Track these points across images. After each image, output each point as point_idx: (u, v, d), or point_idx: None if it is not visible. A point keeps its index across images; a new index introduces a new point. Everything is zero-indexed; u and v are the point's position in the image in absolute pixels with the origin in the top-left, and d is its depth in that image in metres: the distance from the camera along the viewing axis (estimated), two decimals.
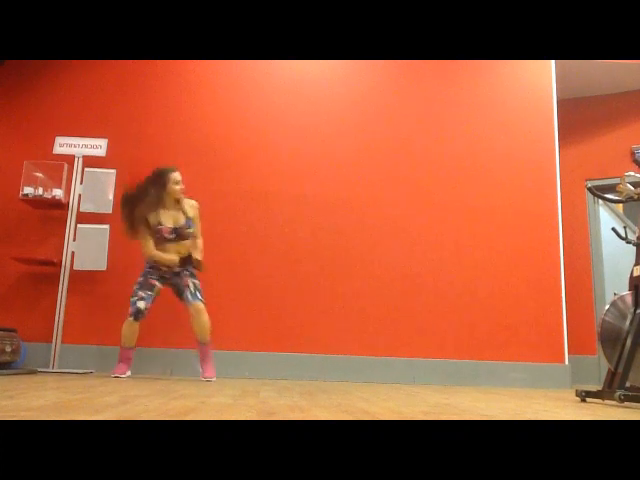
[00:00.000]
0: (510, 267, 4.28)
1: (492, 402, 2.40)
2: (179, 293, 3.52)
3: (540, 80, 4.65)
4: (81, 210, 3.90)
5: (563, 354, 4.16)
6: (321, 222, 3.91)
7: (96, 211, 3.90)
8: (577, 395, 2.79)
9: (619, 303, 2.97)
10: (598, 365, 4.90)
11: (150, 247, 3.45)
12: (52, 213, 4.04)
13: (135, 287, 3.45)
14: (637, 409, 2.33)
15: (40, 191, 3.93)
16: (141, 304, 3.39)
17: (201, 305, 3.43)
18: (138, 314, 3.38)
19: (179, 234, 3.49)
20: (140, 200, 3.42)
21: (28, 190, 3.91)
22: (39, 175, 4.00)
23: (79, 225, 3.87)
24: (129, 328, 3.40)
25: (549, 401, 2.63)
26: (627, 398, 2.44)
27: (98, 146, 4.00)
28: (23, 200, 3.93)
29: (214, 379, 3.40)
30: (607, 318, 2.96)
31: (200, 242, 3.62)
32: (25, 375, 3.22)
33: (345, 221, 4.19)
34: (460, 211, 4.34)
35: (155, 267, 3.49)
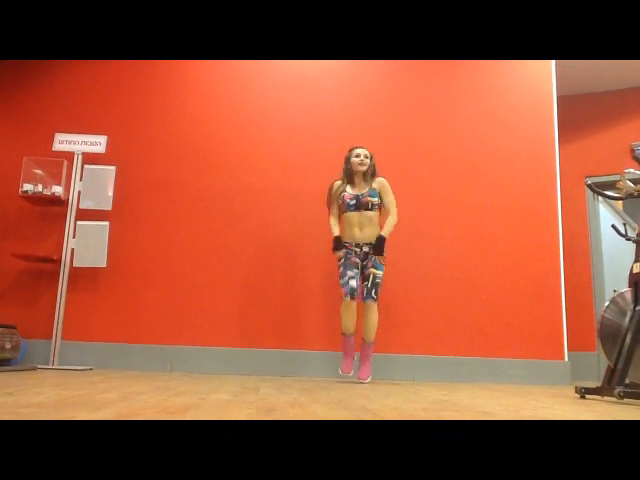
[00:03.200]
0: (509, 264, 4.29)
1: (491, 399, 2.41)
2: (364, 279, 3.50)
3: (540, 77, 4.64)
4: (81, 207, 3.90)
5: (563, 351, 4.17)
6: (321, 219, 3.90)
7: (96, 208, 3.90)
8: (576, 392, 2.80)
9: (619, 300, 2.97)
10: (597, 362, 4.90)
11: (331, 221, 3.63)
12: (52, 210, 4.04)
13: (340, 269, 3.48)
14: (636, 406, 2.34)
15: (40, 188, 3.93)
16: (353, 282, 3.40)
17: (372, 304, 3.42)
18: (353, 292, 3.39)
19: (359, 201, 3.51)
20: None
21: (28, 187, 3.91)
22: (39, 172, 4.00)
23: (79, 222, 3.87)
24: (346, 309, 3.40)
25: (548, 398, 2.64)
26: (626, 395, 2.45)
27: (97, 143, 3.99)
28: (23, 197, 3.93)
29: (367, 381, 3.38)
30: (607, 315, 2.96)
31: (392, 218, 3.57)
32: (25, 372, 3.22)
33: None
34: (460, 207, 4.34)
35: (348, 247, 3.52)
